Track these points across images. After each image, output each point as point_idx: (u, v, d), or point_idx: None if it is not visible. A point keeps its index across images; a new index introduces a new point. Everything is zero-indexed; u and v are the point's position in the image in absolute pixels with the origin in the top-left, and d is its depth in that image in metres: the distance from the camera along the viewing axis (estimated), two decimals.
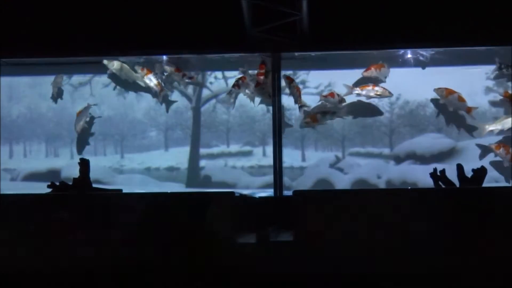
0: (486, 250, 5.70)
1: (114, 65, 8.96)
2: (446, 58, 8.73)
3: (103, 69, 9.08)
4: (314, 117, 8.83)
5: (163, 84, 8.98)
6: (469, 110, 8.69)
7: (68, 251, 5.95)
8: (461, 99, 8.68)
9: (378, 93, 8.75)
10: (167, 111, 9.09)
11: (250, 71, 8.86)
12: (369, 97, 8.78)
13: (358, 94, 8.80)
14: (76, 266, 5.96)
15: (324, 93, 8.85)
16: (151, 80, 8.97)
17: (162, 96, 9.01)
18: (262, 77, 8.73)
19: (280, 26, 8.36)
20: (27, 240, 6.00)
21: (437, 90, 8.71)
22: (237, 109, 9.06)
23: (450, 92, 8.68)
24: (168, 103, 9.10)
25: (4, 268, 5.96)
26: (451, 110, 8.73)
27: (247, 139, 9.07)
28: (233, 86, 8.86)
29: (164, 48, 8.81)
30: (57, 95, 9.13)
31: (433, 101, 8.81)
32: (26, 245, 5.99)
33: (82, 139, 9.10)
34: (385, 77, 8.82)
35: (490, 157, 8.65)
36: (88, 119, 9.05)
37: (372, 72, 8.78)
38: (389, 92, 8.75)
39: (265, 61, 8.76)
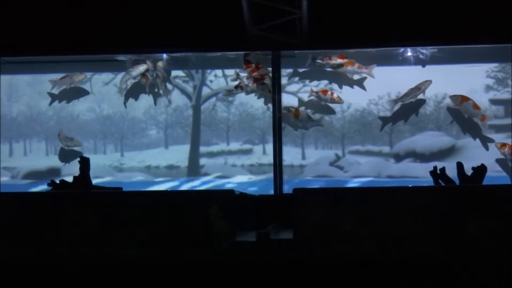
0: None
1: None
2: (446, 56, 8.73)
3: (103, 68, 9.10)
4: (298, 112, 8.82)
5: (149, 76, 8.94)
6: (483, 118, 8.66)
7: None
8: (476, 107, 8.64)
9: (418, 88, 8.69)
10: (155, 103, 9.09)
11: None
12: (413, 97, 8.74)
13: (403, 101, 8.77)
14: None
15: (316, 89, 8.85)
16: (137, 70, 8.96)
17: (148, 86, 9.00)
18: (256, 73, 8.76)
19: (280, 24, 8.36)
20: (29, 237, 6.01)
21: (452, 97, 8.70)
22: (237, 108, 9.06)
23: (464, 99, 8.66)
24: (155, 95, 9.08)
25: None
26: (466, 117, 8.70)
27: (247, 137, 9.07)
28: (236, 87, 8.88)
29: (164, 46, 8.81)
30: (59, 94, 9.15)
31: (449, 109, 8.78)
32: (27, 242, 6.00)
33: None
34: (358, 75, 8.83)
35: (493, 155, 8.66)
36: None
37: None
38: (427, 81, 8.69)
39: (249, 59, 8.78)
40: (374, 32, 8.48)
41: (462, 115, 8.72)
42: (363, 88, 8.84)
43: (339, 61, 8.71)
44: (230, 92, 8.93)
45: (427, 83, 8.68)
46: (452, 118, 8.78)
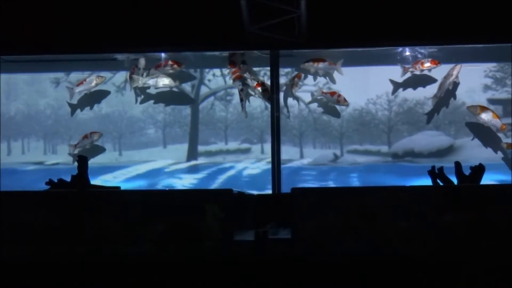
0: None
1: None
2: (444, 55, 8.74)
3: (101, 67, 9.10)
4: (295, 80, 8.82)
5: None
6: (503, 127, 8.63)
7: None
8: (495, 116, 8.60)
9: (451, 75, 8.64)
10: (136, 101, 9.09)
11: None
12: (449, 85, 8.68)
13: (442, 94, 8.73)
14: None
15: (325, 90, 8.86)
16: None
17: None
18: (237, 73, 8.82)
19: (279, 23, 8.36)
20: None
21: (470, 107, 8.67)
22: (236, 107, 9.06)
23: (483, 109, 8.64)
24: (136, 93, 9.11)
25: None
26: (485, 128, 8.64)
27: (245, 136, 9.07)
28: (241, 100, 8.91)
29: (163, 45, 8.81)
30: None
31: (468, 124, 8.76)
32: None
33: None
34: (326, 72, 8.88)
35: (492, 153, 8.67)
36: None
37: (311, 65, 8.82)
38: (456, 65, 8.66)
39: (233, 60, 8.85)
40: (373, 31, 8.48)
41: (482, 126, 8.68)
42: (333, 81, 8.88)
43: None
44: (244, 110, 8.93)
45: (458, 67, 8.63)
46: (471, 131, 8.74)
